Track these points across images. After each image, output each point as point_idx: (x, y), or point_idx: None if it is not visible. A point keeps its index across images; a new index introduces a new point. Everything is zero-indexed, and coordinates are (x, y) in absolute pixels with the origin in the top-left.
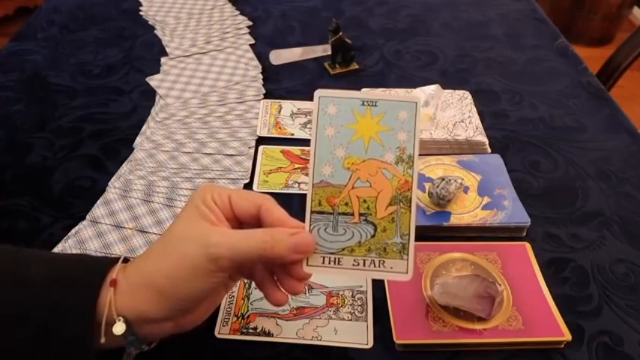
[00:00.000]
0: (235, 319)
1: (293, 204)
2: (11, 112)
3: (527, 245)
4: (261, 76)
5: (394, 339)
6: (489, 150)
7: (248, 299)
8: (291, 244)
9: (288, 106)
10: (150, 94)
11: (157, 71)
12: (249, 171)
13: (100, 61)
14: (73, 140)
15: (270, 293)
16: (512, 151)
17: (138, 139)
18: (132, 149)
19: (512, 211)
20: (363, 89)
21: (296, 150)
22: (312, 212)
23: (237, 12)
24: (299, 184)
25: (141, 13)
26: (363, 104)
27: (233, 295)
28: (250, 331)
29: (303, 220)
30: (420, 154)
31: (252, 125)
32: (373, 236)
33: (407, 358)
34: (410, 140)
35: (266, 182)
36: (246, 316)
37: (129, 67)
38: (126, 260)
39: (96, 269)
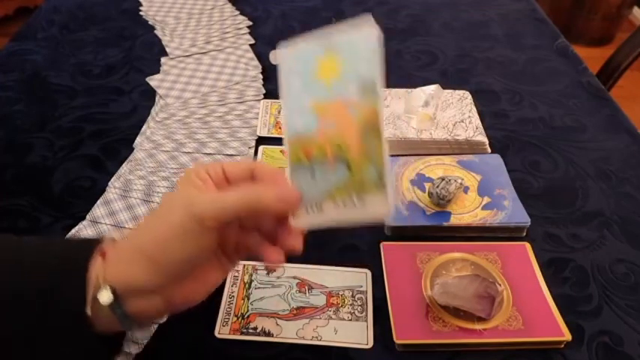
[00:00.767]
0: (235, 319)
1: None
2: (11, 112)
3: (527, 245)
4: (261, 76)
5: (394, 339)
6: (489, 150)
7: (248, 299)
8: (276, 193)
9: None
10: (150, 94)
11: (157, 71)
12: None
13: (100, 61)
14: (73, 140)
15: (266, 253)
16: (512, 151)
17: (138, 139)
18: (132, 149)
19: (512, 211)
20: None
21: None
22: (292, 167)
23: (237, 12)
24: None
25: (141, 13)
26: (322, 48)
27: (233, 295)
28: (250, 331)
29: None
30: (419, 154)
31: (252, 125)
32: (350, 176)
33: (407, 358)
34: (371, 69)
35: None
36: (246, 316)
37: (129, 67)
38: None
39: (86, 245)
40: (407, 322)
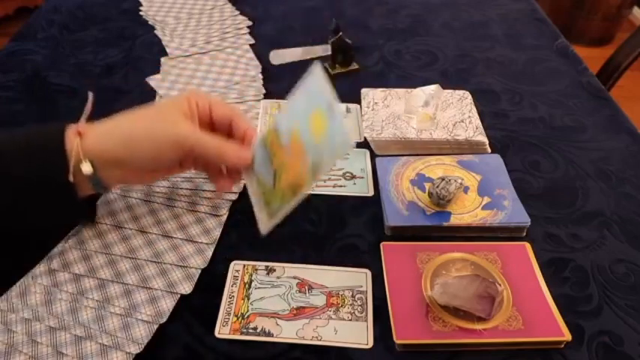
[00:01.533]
0: (235, 319)
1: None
2: (11, 112)
3: (527, 245)
4: (261, 76)
5: (394, 339)
6: (489, 150)
7: (248, 299)
8: (237, 156)
9: None
10: (150, 94)
11: (157, 71)
12: None
13: (100, 61)
14: None
15: (219, 182)
16: (512, 151)
17: None
18: None
19: (512, 211)
20: (363, 89)
21: None
22: (260, 144)
23: (237, 12)
24: None
25: (141, 13)
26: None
27: (233, 295)
28: (250, 331)
29: None
30: (420, 154)
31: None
32: (272, 189)
33: (407, 358)
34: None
35: None
36: (246, 316)
37: (129, 67)
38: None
39: (58, 125)
40: (407, 322)
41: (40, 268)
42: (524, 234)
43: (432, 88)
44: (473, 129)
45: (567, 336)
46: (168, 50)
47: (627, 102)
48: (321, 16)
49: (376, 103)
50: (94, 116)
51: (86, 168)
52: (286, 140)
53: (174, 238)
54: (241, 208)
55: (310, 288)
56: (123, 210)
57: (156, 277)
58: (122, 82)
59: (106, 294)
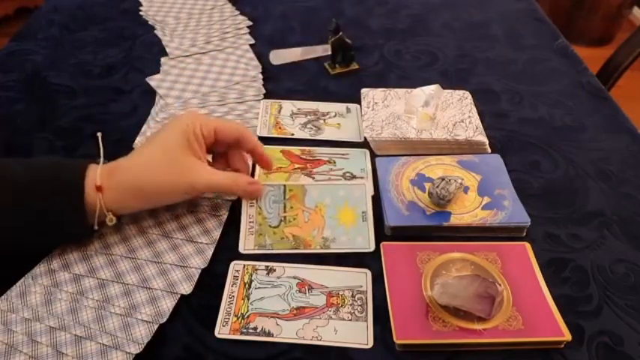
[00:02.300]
0: (235, 319)
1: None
2: (11, 112)
3: (527, 245)
4: (261, 76)
5: (394, 339)
6: (489, 150)
7: (248, 299)
8: (247, 190)
9: (288, 106)
10: (150, 94)
11: (157, 71)
12: (250, 171)
13: (100, 61)
14: (73, 140)
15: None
16: (512, 151)
17: (138, 139)
18: (132, 149)
19: (512, 211)
20: (363, 89)
21: (296, 150)
22: (277, 186)
23: (237, 12)
24: None
25: (141, 13)
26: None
27: (233, 295)
28: (250, 331)
29: None
30: (420, 154)
31: (252, 125)
32: (272, 227)
33: (407, 358)
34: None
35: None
36: (246, 316)
37: (129, 67)
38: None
39: (75, 173)
40: (407, 322)
41: (40, 268)
42: (524, 234)
43: (432, 88)
44: (473, 129)
45: (567, 336)
46: (168, 50)
47: (627, 102)
48: (321, 16)
49: (376, 103)
50: (93, 116)
51: (110, 220)
52: (311, 204)
53: (175, 238)
54: (241, 209)
55: (310, 288)
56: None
57: (156, 277)
58: (122, 82)
59: (106, 294)
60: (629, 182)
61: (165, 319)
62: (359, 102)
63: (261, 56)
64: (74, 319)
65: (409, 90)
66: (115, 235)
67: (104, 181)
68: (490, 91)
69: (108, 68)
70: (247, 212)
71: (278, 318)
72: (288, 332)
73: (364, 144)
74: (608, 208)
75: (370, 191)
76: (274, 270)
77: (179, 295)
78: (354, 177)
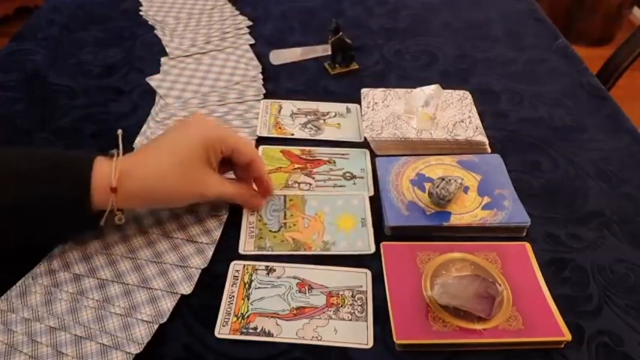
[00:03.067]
0: (235, 319)
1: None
2: (11, 112)
3: (527, 245)
4: (261, 76)
5: (394, 339)
6: (489, 150)
7: (248, 299)
8: (249, 202)
9: (288, 106)
10: (150, 94)
11: (157, 71)
12: None
13: (100, 61)
14: (73, 140)
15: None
16: (512, 151)
17: (138, 139)
18: (132, 149)
19: (512, 211)
20: (363, 89)
21: (296, 150)
22: (278, 196)
23: (237, 12)
24: (299, 184)
25: (141, 13)
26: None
27: (233, 295)
28: (250, 331)
29: None
30: (420, 154)
31: (252, 125)
32: (272, 232)
33: (407, 358)
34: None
35: None
36: (246, 316)
37: (129, 67)
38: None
39: (82, 171)
40: (407, 322)
41: (40, 268)
42: (524, 234)
43: (432, 88)
44: (473, 129)
45: (567, 336)
46: (168, 50)
47: (627, 102)
48: (321, 16)
49: (376, 103)
50: (93, 116)
51: (119, 219)
52: (310, 213)
53: (175, 238)
54: (241, 209)
55: (310, 288)
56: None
57: (156, 277)
58: (122, 82)
59: (106, 294)
60: (629, 182)
61: (165, 319)
62: (359, 102)
63: (261, 56)
64: (74, 319)
65: (409, 90)
66: (115, 235)
67: (120, 180)
68: (490, 91)
69: (108, 68)
70: (248, 219)
71: (278, 318)
72: (288, 332)
73: (364, 144)
74: (608, 208)
75: (368, 200)
76: (274, 270)
77: (179, 295)
78: (354, 177)
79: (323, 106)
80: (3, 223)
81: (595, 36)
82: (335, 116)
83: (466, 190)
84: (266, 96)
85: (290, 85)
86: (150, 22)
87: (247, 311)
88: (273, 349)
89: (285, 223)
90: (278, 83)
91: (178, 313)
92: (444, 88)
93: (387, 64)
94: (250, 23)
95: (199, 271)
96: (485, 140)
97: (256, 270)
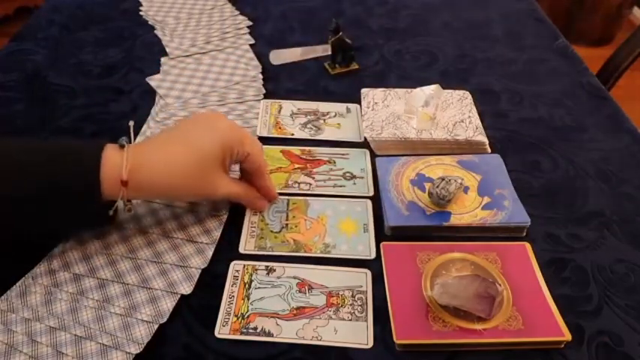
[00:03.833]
0: (235, 319)
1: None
2: (11, 112)
3: (527, 245)
4: (261, 76)
5: (394, 339)
6: (489, 150)
7: (248, 299)
8: (253, 203)
9: (288, 106)
10: (150, 94)
11: (157, 71)
12: None
13: (100, 61)
14: (73, 140)
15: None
16: (512, 151)
17: (138, 140)
18: None
19: (512, 211)
20: (363, 89)
21: (296, 150)
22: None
23: (237, 12)
24: (299, 184)
25: (141, 13)
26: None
27: (233, 295)
28: (250, 331)
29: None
30: (420, 154)
31: (252, 125)
32: (274, 232)
33: (407, 358)
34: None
35: None
36: (246, 316)
37: (129, 67)
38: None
39: (91, 162)
40: (407, 322)
41: (40, 268)
42: (524, 234)
43: (432, 88)
44: (473, 129)
45: (567, 336)
46: (168, 50)
47: (627, 102)
48: (321, 16)
49: (376, 103)
50: (93, 116)
51: (128, 209)
52: (313, 215)
53: (175, 238)
54: (241, 209)
55: (310, 288)
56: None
57: (156, 277)
58: (122, 82)
59: (106, 294)
60: (629, 182)
61: (165, 319)
62: (359, 102)
63: (261, 56)
64: (74, 319)
65: (409, 90)
66: (115, 235)
67: (129, 175)
68: (490, 91)
69: (108, 68)
70: (250, 219)
71: (278, 318)
72: (288, 332)
73: (364, 144)
74: (608, 208)
75: (371, 206)
76: (274, 270)
77: (179, 295)
78: (354, 177)
79: (323, 106)
80: (11, 215)
81: (595, 36)
82: (335, 116)
83: (466, 190)
84: (266, 96)
85: (290, 85)
86: (150, 22)
87: (247, 311)
88: (273, 349)
89: (287, 224)
90: (278, 83)
91: (178, 313)
92: (444, 88)
93: (387, 64)
94: (250, 23)
95: (199, 271)
96: (485, 140)
97: (256, 270)
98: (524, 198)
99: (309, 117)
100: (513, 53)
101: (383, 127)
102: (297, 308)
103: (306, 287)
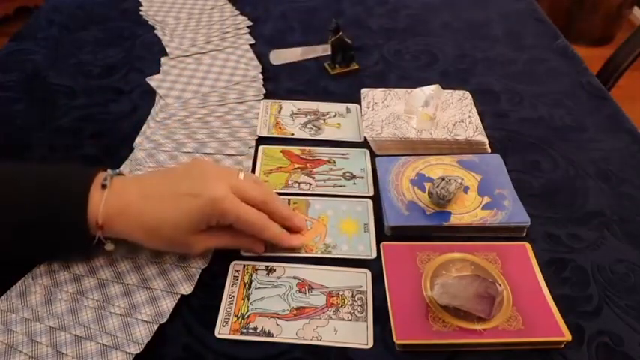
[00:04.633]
0: (235, 319)
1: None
2: (11, 112)
3: (527, 245)
4: (261, 76)
5: (394, 339)
6: (489, 150)
7: (248, 299)
8: (251, 248)
9: (288, 106)
10: (150, 94)
11: (157, 71)
12: (249, 171)
13: (100, 61)
14: (73, 140)
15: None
16: (512, 151)
17: (138, 139)
18: (132, 149)
19: (512, 211)
20: (363, 89)
21: (296, 150)
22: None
23: (237, 12)
24: (299, 184)
25: (141, 13)
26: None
27: (233, 295)
28: (250, 331)
29: None
30: (420, 154)
31: (252, 125)
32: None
33: (407, 358)
34: None
35: (266, 182)
36: (246, 316)
37: (129, 67)
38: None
39: (79, 191)
40: (407, 322)
41: (40, 268)
42: (524, 234)
43: (432, 88)
44: (473, 129)
45: (567, 336)
46: (168, 50)
47: (627, 102)
48: (321, 16)
49: (376, 103)
50: (93, 116)
51: (109, 247)
52: (314, 215)
53: None
54: None
55: (310, 288)
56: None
57: (156, 277)
58: (122, 82)
59: (106, 294)
60: (629, 182)
61: (165, 319)
62: (359, 102)
63: (261, 56)
64: (74, 319)
65: (409, 90)
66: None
67: (105, 221)
68: (490, 91)
69: (108, 68)
70: None
71: (278, 318)
72: (288, 332)
73: (364, 144)
74: (608, 208)
75: (372, 206)
76: (274, 270)
77: (179, 295)
78: (354, 177)
79: (323, 106)
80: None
81: (595, 36)
82: (335, 116)
83: (466, 190)
84: (266, 96)
85: (290, 85)
86: (150, 22)
87: (247, 311)
88: (273, 349)
89: None
90: (278, 83)
91: (178, 313)
92: (444, 88)
93: (387, 64)
94: (250, 23)
95: (199, 271)
96: (485, 140)
97: (256, 270)
98: (524, 198)
99: (309, 117)
100: (513, 53)
101: (383, 127)
102: (297, 308)
103: (306, 287)
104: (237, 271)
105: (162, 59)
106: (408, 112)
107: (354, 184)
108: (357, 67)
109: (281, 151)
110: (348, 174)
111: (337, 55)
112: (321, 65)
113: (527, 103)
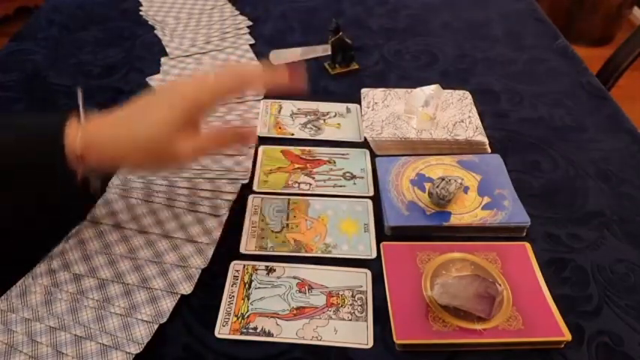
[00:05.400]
0: (235, 319)
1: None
2: (11, 112)
3: (527, 245)
4: None
5: (394, 339)
6: (489, 150)
7: (248, 299)
8: (240, 141)
9: (288, 106)
10: None
11: (157, 71)
12: (249, 171)
13: (100, 61)
14: None
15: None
16: (512, 151)
17: None
18: None
19: (512, 211)
20: (363, 89)
21: (296, 150)
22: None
23: (237, 12)
24: (299, 184)
25: (141, 13)
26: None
27: (233, 295)
28: (250, 331)
29: None
30: (420, 154)
31: (252, 125)
32: (275, 232)
33: (407, 358)
34: None
35: (266, 182)
36: (246, 316)
37: (129, 67)
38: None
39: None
40: (407, 322)
41: (40, 268)
42: (524, 234)
43: (432, 88)
44: (473, 129)
45: (567, 336)
46: (168, 50)
47: (627, 102)
48: (321, 16)
49: (376, 103)
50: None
51: (93, 189)
52: (314, 215)
53: (175, 238)
54: (241, 209)
55: (310, 288)
56: (123, 210)
57: (156, 277)
58: (122, 82)
59: (106, 294)
60: (629, 182)
61: (165, 319)
62: (359, 102)
63: (261, 56)
64: (74, 319)
65: (409, 90)
66: (114, 234)
67: (84, 150)
68: (490, 91)
69: (108, 68)
70: (250, 219)
71: (278, 318)
72: (288, 332)
73: (364, 144)
74: (608, 208)
75: (372, 206)
76: (274, 270)
77: (179, 295)
78: (354, 177)
79: (323, 106)
80: None
81: (595, 36)
82: (335, 116)
83: (466, 190)
84: (266, 96)
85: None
86: (150, 22)
87: (247, 311)
88: (273, 349)
89: (287, 224)
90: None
91: (178, 313)
92: (444, 88)
93: (387, 64)
94: (250, 23)
95: (199, 271)
96: (485, 140)
97: (256, 270)
98: (524, 198)
99: (309, 117)
100: (513, 53)
101: (383, 127)
102: (297, 308)
103: (306, 287)
104: (237, 271)
105: (162, 59)
106: (408, 112)
107: (354, 184)
108: (357, 67)
109: (281, 151)
110: (348, 174)
111: (337, 55)
112: (321, 65)
113: (527, 103)
